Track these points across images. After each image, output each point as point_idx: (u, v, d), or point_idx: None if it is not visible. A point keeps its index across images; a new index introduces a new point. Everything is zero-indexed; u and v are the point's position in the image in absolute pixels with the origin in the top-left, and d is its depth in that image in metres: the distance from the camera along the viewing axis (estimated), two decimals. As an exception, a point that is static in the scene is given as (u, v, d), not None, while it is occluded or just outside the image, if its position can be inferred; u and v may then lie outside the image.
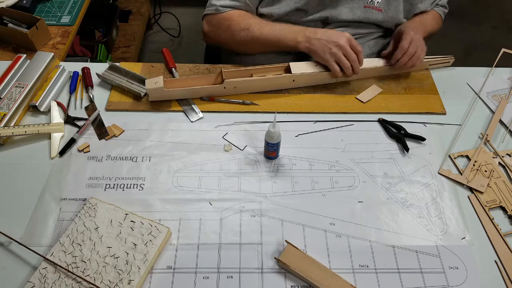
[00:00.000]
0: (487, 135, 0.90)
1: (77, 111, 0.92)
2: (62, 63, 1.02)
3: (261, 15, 1.03)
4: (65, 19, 1.24)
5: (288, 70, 0.95)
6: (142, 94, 0.93)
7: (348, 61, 0.91)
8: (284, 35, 0.95)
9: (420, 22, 1.06)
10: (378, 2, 0.99)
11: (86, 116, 0.90)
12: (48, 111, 0.91)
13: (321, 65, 0.95)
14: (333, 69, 0.92)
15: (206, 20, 1.04)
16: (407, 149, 0.86)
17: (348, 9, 1.00)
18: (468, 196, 0.80)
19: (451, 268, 0.70)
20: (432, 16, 1.11)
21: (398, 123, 0.91)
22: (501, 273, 0.70)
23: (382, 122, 0.91)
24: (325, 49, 0.91)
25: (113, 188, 0.79)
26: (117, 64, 0.98)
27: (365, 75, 1.00)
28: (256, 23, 0.97)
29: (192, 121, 0.91)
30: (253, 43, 0.99)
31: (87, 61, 1.32)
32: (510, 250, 0.73)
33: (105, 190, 0.79)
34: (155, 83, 0.88)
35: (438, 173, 0.84)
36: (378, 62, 1.00)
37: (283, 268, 0.69)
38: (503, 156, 0.87)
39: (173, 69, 1.00)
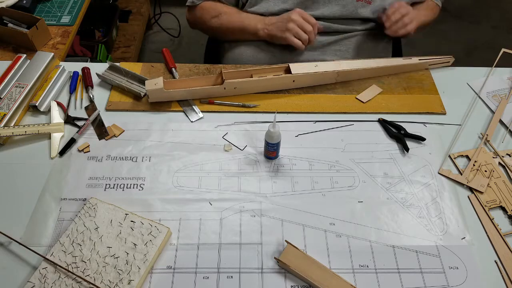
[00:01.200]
0: (487, 135, 0.90)
1: (77, 111, 0.92)
2: (62, 63, 1.02)
3: None
4: (65, 19, 1.24)
5: (288, 70, 0.95)
6: (142, 94, 0.93)
7: (305, 33, 0.95)
8: (247, 23, 1.01)
9: (415, 13, 1.06)
10: None
11: (86, 116, 0.90)
12: (48, 111, 0.91)
13: (321, 65, 0.95)
14: (294, 43, 0.96)
15: (187, 10, 1.13)
16: (407, 149, 0.86)
17: (340, 6, 1.01)
18: (468, 196, 0.80)
19: (451, 268, 0.70)
20: (426, 5, 1.12)
21: (398, 123, 0.91)
22: (501, 273, 0.70)
23: (382, 122, 0.91)
24: (281, 28, 0.96)
25: (113, 188, 0.79)
26: (117, 64, 0.98)
27: (365, 75, 1.00)
28: (227, 12, 1.04)
29: (192, 121, 0.91)
30: (222, 30, 1.06)
31: (87, 61, 1.33)
32: (510, 250, 0.73)
33: (105, 190, 0.79)
34: (155, 84, 0.88)
35: (438, 173, 0.84)
36: (378, 63, 1.00)
37: (283, 268, 0.69)
38: (503, 156, 0.87)
39: (173, 69, 1.00)
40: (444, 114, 0.95)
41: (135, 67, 1.01)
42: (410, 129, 0.90)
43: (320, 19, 1.02)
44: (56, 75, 0.96)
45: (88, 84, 0.96)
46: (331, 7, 1.01)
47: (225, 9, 1.05)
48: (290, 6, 1.00)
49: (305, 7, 1.01)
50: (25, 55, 0.99)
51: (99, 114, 0.90)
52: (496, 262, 0.72)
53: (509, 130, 0.92)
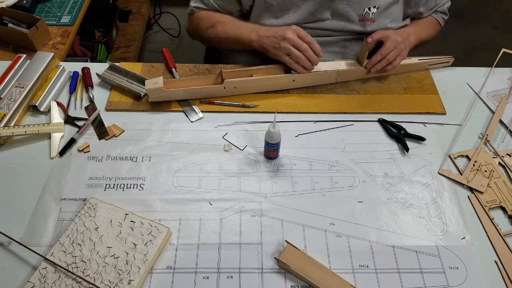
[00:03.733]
0: (487, 135, 0.90)
1: (77, 111, 0.92)
2: (62, 63, 1.02)
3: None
4: (65, 19, 1.24)
5: (288, 70, 0.95)
6: (142, 94, 0.93)
7: (300, 52, 0.90)
8: (241, 34, 0.98)
9: (414, 29, 1.05)
10: (373, 13, 0.98)
11: (86, 116, 0.90)
12: (48, 111, 0.91)
13: (321, 65, 0.95)
14: (287, 62, 0.93)
15: (188, 19, 1.11)
16: (407, 149, 0.86)
17: (343, 22, 0.99)
18: (468, 196, 0.80)
19: (451, 268, 0.70)
20: (428, 22, 1.10)
21: (398, 123, 0.91)
22: (501, 273, 0.70)
23: (382, 122, 0.91)
24: (274, 45, 0.92)
25: (113, 188, 0.79)
26: (117, 64, 0.98)
27: (365, 75, 1.00)
28: (221, 22, 1.01)
29: (192, 121, 0.91)
30: (218, 40, 1.04)
31: (87, 61, 1.33)
32: (510, 250, 0.73)
33: (105, 190, 0.79)
34: (155, 83, 0.88)
35: (438, 173, 0.84)
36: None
37: (283, 268, 0.69)
38: (503, 156, 0.87)
39: (173, 69, 1.00)
40: (444, 114, 0.95)
41: (135, 67, 1.01)
42: (410, 129, 0.90)
43: (322, 30, 1.00)
44: (56, 75, 0.96)
45: (88, 84, 0.96)
46: (332, 22, 0.99)
47: (221, 18, 1.02)
48: (291, 21, 0.97)
49: (305, 21, 0.98)
50: (25, 55, 0.99)
51: (99, 114, 0.90)
52: (496, 262, 0.72)
53: (509, 130, 0.92)
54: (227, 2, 1.02)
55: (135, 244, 0.69)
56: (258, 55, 1.05)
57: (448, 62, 1.05)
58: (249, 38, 0.97)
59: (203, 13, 1.05)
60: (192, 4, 1.06)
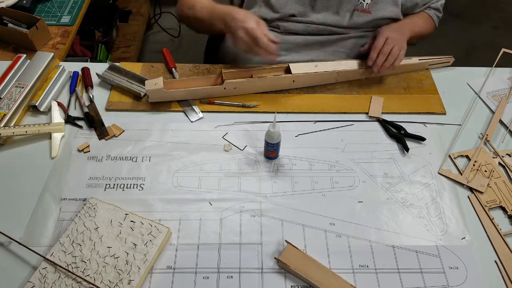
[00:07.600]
0: (487, 135, 0.90)
1: (77, 111, 0.92)
2: (62, 63, 1.02)
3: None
4: (65, 19, 1.24)
5: (288, 70, 0.95)
6: (142, 94, 0.93)
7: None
8: (214, 19, 0.92)
9: (405, 22, 1.03)
10: (367, 3, 0.98)
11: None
12: (48, 111, 0.91)
13: (321, 65, 0.95)
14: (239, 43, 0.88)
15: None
16: (407, 149, 0.86)
17: (336, 14, 0.98)
18: (468, 196, 0.80)
19: (451, 268, 0.70)
20: (421, 17, 1.08)
21: (398, 123, 0.91)
22: (501, 273, 0.70)
23: (382, 122, 0.91)
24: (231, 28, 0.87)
25: (113, 188, 0.79)
26: (117, 64, 0.98)
27: (365, 75, 1.00)
28: (200, 2, 0.95)
29: (192, 121, 0.91)
30: (196, 23, 0.99)
31: (87, 61, 1.33)
32: (510, 250, 0.73)
33: (105, 190, 0.79)
34: (155, 84, 0.88)
35: (438, 173, 0.84)
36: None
37: (283, 268, 0.69)
38: (503, 156, 0.87)
39: (173, 69, 1.00)
40: (444, 114, 0.95)
41: (135, 67, 1.01)
42: (410, 129, 0.90)
43: (314, 23, 1.00)
44: (56, 75, 0.96)
45: (88, 84, 0.96)
46: (325, 15, 0.99)
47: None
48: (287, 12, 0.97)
49: (298, 13, 0.98)
50: (25, 55, 0.99)
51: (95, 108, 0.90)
52: (496, 262, 0.72)
53: (509, 130, 0.92)
54: None
55: (135, 244, 0.69)
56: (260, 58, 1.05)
57: (448, 62, 1.05)
58: (220, 25, 0.91)
59: None
60: None
